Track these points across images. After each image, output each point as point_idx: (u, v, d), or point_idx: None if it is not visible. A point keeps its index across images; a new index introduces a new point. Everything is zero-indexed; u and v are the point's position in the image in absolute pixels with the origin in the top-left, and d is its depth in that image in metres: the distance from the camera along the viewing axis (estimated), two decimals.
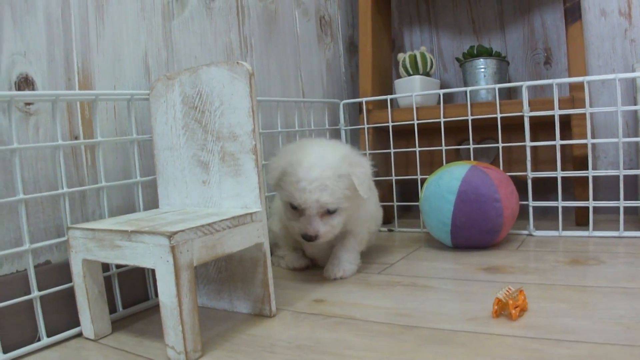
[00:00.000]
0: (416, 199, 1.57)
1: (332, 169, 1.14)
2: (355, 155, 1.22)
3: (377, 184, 1.76)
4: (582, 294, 1.02)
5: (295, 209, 1.16)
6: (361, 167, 1.19)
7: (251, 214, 0.98)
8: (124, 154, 1.17)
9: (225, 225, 0.91)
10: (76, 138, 1.09)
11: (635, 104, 1.63)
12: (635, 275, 1.10)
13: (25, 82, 1.01)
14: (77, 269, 0.96)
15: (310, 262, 1.35)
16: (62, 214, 1.02)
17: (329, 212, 1.15)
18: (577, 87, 1.51)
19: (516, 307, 0.91)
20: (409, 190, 2.02)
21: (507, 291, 0.93)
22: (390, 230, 1.78)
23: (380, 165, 1.82)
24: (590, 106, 1.44)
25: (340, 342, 0.89)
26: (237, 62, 0.99)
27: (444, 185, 1.39)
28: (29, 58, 1.01)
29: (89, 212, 1.11)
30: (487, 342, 0.84)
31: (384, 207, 1.77)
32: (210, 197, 1.05)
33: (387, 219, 1.86)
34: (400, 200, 1.87)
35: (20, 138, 0.98)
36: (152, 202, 1.18)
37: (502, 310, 0.94)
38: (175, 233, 0.82)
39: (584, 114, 1.45)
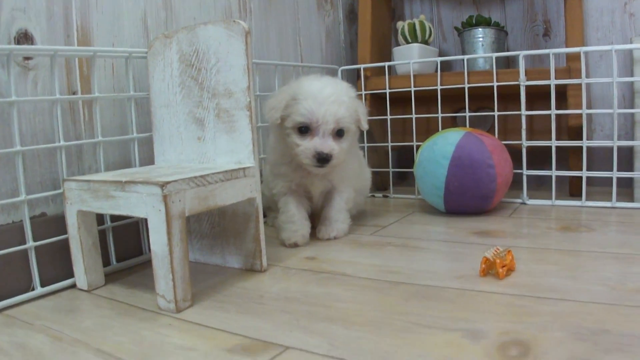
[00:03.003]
0: (411, 166, 1.58)
1: (344, 90, 1.20)
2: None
3: (374, 150, 1.78)
4: (571, 257, 1.04)
5: (304, 133, 1.16)
6: (362, 104, 1.28)
7: (244, 168, 0.99)
8: (120, 111, 1.18)
9: (218, 178, 0.93)
10: (74, 94, 1.10)
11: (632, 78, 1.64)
12: (625, 242, 1.12)
13: (24, 38, 1.01)
14: (71, 220, 0.98)
15: (309, 228, 1.29)
16: (58, 167, 1.04)
17: (338, 135, 1.18)
18: (574, 58, 1.51)
19: (503, 267, 0.93)
20: (405, 159, 2.03)
21: (495, 251, 0.95)
22: (385, 196, 1.79)
23: (377, 133, 1.83)
24: (587, 78, 1.44)
25: (329, 295, 0.90)
26: (234, 21, 1.00)
27: (438, 151, 1.40)
28: (29, 14, 1.02)
29: (85, 167, 1.12)
30: (473, 298, 0.85)
31: (379, 173, 1.79)
32: (205, 153, 1.06)
33: (383, 186, 1.87)
34: (396, 167, 1.87)
35: (19, 93, 0.99)
36: (148, 159, 1.20)
37: (490, 269, 0.95)
38: (168, 183, 0.83)
39: (580, 85, 1.46)
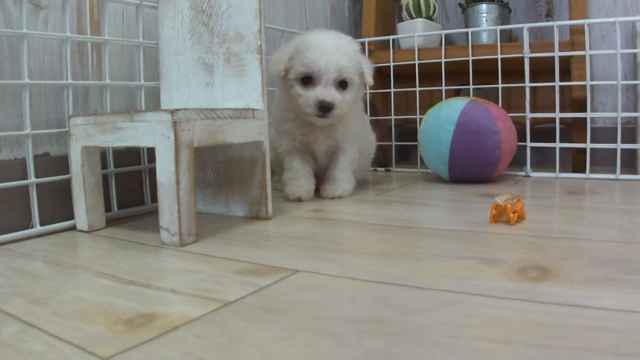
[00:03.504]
0: (414, 142, 1.58)
1: (347, 42, 1.20)
2: None
3: (376, 124, 1.77)
4: (580, 211, 1.03)
5: (307, 83, 1.16)
6: (367, 58, 1.28)
7: (253, 110, 0.98)
8: (129, 59, 1.17)
9: (227, 114, 0.91)
10: None
11: (635, 55, 1.64)
12: (633, 202, 1.11)
13: None
14: (75, 157, 0.96)
15: (314, 184, 1.29)
16: (64, 107, 1.02)
17: (341, 86, 1.17)
18: (578, 32, 1.51)
19: (514, 212, 0.92)
20: (408, 137, 2.02)
21: (506, 197, 0.93)
22: (387, 170, 1.78)
23: (380, 107, 1.82)
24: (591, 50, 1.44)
25: (336, 234, 0.89)
26: None
27: (443, 116, 1.39)
28: None
29: (91, 110, 1.10)
30: (485, 237, 0.84)
31: (382, 149, 1.78)
32: (213, 99, 1.05)
33: (385, 162, 1.86)
34: (398, 146, 1.86)
35: (30, 29, 0.97)
36: (154, 107, 1.18)
37: (500, 216, 0.94)
38: (178, 110, 0.82)
39: (584, 58, 1.46)
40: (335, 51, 1.15)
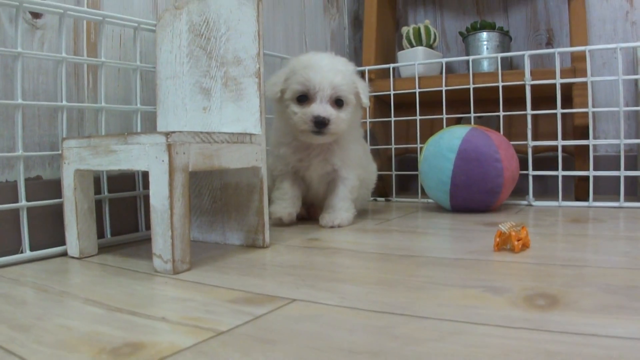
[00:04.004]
0: (415, 173, 1.56)
1: (342, 62, 1.21)
2: None
3: (376, 153, 1.75)
4: (585, 239, 1.00)
5: (303, 100, 1.16)
6: (362, 80, 1.28)
7: (250, 134, 0.95)
8: (125, 82, 1.15)
9: (224, 138, 0.89)
10: None
11: (636, 81, 1.63)
12: (638, 228, 1.09)
13: None
14: (68, 181, 0.94)
15: (299, 211, 1.29)
16: (58, 129, 1.00)
17: (337, 105, 1.17)
18: (579, 59, 1.50)
19: (519, 240, 0.89)
20: (408, 167, 1.99)
21: (510, 224, 0.91)
22: (387, 200, 1.75)
23: (380, 136, 1.80)
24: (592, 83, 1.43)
25: (335, 264, 0.86)
26: None
27: (444, 145, 1.37)
28: None
29: (85, 134, 1.09)
30: (489, 265, 0.82)
31: (382, 179, 1.76)
32: (210, 124, 1.03)
33: (385, 192, 1.84)
34: (399, 176, 1.83)
35: (25, 49, 0.96)
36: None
37: (504, 244, 0.91)
38: (173, 132, 0.79)
39: (585, 85, 1.45)
40: (330, 69, 1.16)
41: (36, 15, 0.99)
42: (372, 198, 1.72)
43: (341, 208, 1.24)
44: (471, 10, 2.07)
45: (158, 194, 0.80)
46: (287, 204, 1.24)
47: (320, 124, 1.13)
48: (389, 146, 1.74)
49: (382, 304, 0.63)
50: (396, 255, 0.90)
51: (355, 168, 1.27)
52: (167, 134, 0.79)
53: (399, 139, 1.79)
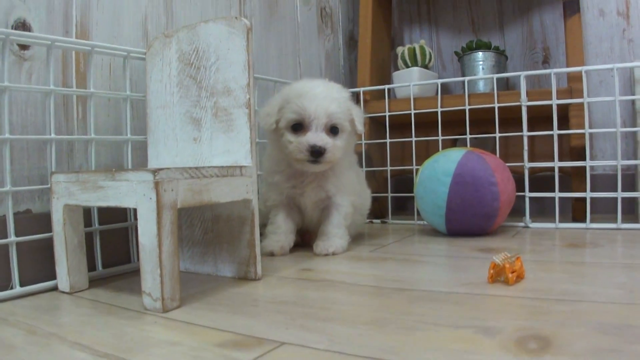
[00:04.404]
0: (411, 193, 1.55)
1: (336, 89, 1.20)
2: None
3: (372, 175, 1.74)
4: (581, 267, 0.99)
5: (299, 129, 1.15)
6: (357, 106, 1.28)
7: (241, 167, 0.94)
8: (115, 112, 1.15)
9: (213, 172, 0.88)
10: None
11: (633, 101, 1.62)
12: (636, 255, 1.07)
13: (22, 27, 0.99)
14: (57, 215, 0.93)
15: (292, 241, 1.27)
16: (47, 162, 0.99)
17: (332, 132, 1.16)
18: (575, 79, 1.50)
19: (513, 272, 0.88)
20: (404, 188, 1.98)
21: (504, 256, 0.90)
22: (383, 222, 1.74)
23: (376, 158, 1.79)
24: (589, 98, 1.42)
25: (327, 299, 0.85)
26: (236, 17, 0.97)
27: (440, 168, 1.36)
28: (28, 4, 1.00)
29: (76, 166, 1.08)
30: (483, 300, 0.80)
31: (378, 200, 1.75)
32: (201, 155, 1.02)
33: (381, 213, 1.82)
34: (395, 196, 1.82)
35: (12, 82, 0.95)
36: (142, 163, 1.15)
37: (498, 275, 0.90)
38: (161, 169, 0.78)
39: (582, 106, 1.44)
40: (325, 97, 1.15)
41: (24, 46, 0.98)
42: (368, 220, 1.71)
43: (335, 235, 1.23)
44: (467, 29, 2.07)
45: (146, 231, 0.79)
46: (279, 238, 1.23)
47: (317, 153, 1.12)
48: (385, 168, 1.73)
49: (372, 349, 0.62)
50: (390, 289, 0.89)
51: (349, 194, 1.26)
52: (154, 172, 0.78)
53: (394, 159, 1.78)
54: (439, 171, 1.36)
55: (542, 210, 1.74)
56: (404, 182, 1.94)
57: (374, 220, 1.75)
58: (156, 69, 1.08)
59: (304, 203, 1.24)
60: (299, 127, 1.15)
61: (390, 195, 1.74)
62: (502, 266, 0.88)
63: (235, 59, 0.97)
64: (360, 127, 1.22)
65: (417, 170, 1.55)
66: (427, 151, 1.77)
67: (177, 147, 1.06)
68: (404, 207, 2.12)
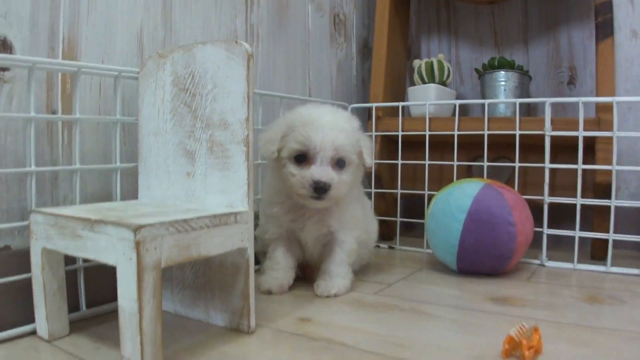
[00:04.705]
0: (421, 216, 1.46)
1: (345, 119, 1.12)
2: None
3: (381, 196, 1.65)
4: (603, 336, 0.90)
5: (301, 162, 1.07)
6: (367, 136, 1.18)
7: (236, 213, 0.86)
8: (105, 136, 1.06)
9: (204, 223, 0.80)
10: (54, 113, 0.98)
11: None
12: None
13: (2, 46, 0.90)
14: (35, 258, 0.85)
15: (292, 278, 1.18)
16: (28, 195, 0.91)
17: (338, 166, 1.08)
18: (604, 109, 1.40)
19: (530, 348, 0.79)
20: (414, 207, 1.89)
21: (521, 329, 0.81)
22: (390, 248, 1.65)
23: (386, 178, 1.70)
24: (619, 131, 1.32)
25: None
26: (236, 41, 0.88)
27: (454, 203, 1.27)
28: (10, 20, 0.91)
29: (60, 197, 1.00)
30: None
31: (386, 222, 1.66)
32: (194, 191, 0.94)
33: (389, 236, 1.74)
34: (404, 217, 1.73)
35: None
36: (132, 192, 1.07)
37: (514, 350, 0.81)
38: (142, 227, 0.70)
39: (610, 139, 1.34)
40: (332, 127, 1.06)
41: (3, 68, 0.90)
42: (375, 244, 1.62)
43: (338, 275, 1.15)
44: (489, 42, 1.97)
45: (126, 294, 0.71)
46: (278, 275, 1.15)
47: (321, 189, 1.04)
48: (395, 190, 1.64)
49: None
50: (391, 357, 0.80)
51: (354, 230, 1.18)
52: (135, 229, 0.69)
53: (405, 179, 1.68)
54: (453, 206, 1.27)
55: (559, 241, 1.64)
56: (415, 198, 1.83)
57: (381, 245, 1.67)
58: (149, 91, 1.00)
59: (304, 238, 1.16)
60: (302, 158, 1.06)
61: (399, 220, 1.65)
62: (519, 342, 0.79)
63: (233, 89, 0.88)
64: (369, 161, 1.13)
65: (429, 196, 1.47)
66: (440, 173, 1.68)
67: (169, 180, 0.97)
68: (413, 227, 2.03)
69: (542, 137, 1.41)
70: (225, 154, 0.89)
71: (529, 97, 1.76)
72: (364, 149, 1.12)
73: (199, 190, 0.93)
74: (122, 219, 0.73)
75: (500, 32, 1.95)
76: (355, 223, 1.18)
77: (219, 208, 0.88)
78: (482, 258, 1.25)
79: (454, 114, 1.65)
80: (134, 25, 1.12)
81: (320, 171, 1.04)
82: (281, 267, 1.15)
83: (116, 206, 0.90)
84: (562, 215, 1.58)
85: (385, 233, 1.72)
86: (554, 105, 1.73)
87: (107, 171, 1.05)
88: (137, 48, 1.12)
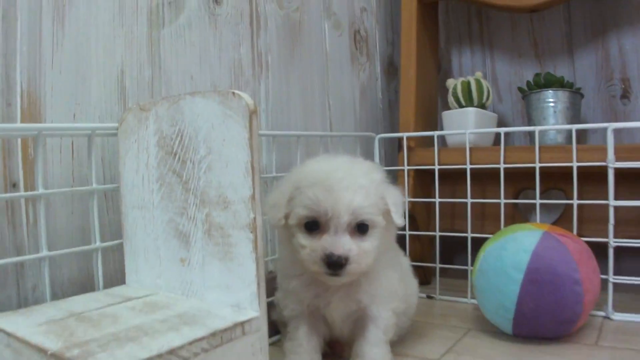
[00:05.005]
0: (458, 253, 1.26)
1: (364, 171, 0.89)
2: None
3: (416, 238, 1.45)
4: None
5: (314, 228, 0.86)
6: (395, 189, 0.93)
7: (243, 323, 0.65)
8: (82, 208, 0.87)
9: (200, 348, 0.59)
10: (14, 186, 0.79)
11: None
12: None
13: None
14: None
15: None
16: None
17: (359, 231, 0.86)
18: None
19: None
20: (451, 244, 1.67)
21: None
22: (429, 297, 1.44)
23: (421, 217, 1.49)
24: None
25: None
26: (233, 93, 0.68)
27: (509, 259, 1.06)
28: None
29: (28, 287, 0.81)
30: None
31: (422, 268, 1.45)
32: (191, 283, 0.74)
33: (426, 279, 1.53)
34: (441, 256, 1.51)
35: None
36: (118, 273, 0.88)
37: None
38: None
39: None
40: (347, 186, 0.84)
41: None
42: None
43: (374, 356, 0.94)
44: (528, 52, 1.74)
45: None
46: (302, 358, 0.94)
47: (335, 265, 0.82)
48: (433, 233, 1.42)
49: None
50: None
51: (391, 302, 0.96)
52: None
53: (443, 217, 1.46)
54: (507, 263, 1.05)
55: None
56: (452, 239, 1.62)
57: (419, 294, 1.45)
58: (131, 153, 0.80)
59: (330, 315, 0.95)
60: (313, 225, 0.85)
61: (438, 266, 1.43)
62: None
63: (233, 157, 0.68)
64: (399, 221, 0.91)
65: (474, 240, 1.26)
66: (482, 209, 1.46)
67: (160, 266, 0.78)
68: (451, 259, 1.81)
69: (601, 166, 1.19)
70: (226, 240, 0.69)
71: (580, 117, 1.53)
72: (392, 206, 0.90)
73: (196, 282, 0.73)
74: (88, 353, 0.54)
75: (541, 42, 1.73)
76: (392, 293, 0.97)
77: (222, 309, 0.68)
78: (544, 323, 1.04)
79: (495, 142, 1.44)
80: (112, 65, 0.92)
81: (333, 242, 0.83)
82: (304, 350, 0.94)
83: (92, 309, 0.71)
84: (625, 252, 1.36)
85: (421, 276, 1.50)
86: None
87: (87, 253, 0.85)
88: (118, 94, 0.93)
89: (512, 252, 1.07)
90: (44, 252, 0.77)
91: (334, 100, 1.49)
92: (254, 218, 0.66)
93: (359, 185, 0.85)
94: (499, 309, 1.07)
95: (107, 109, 0.91)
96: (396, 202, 0.91)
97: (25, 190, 0.79)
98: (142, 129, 0.78)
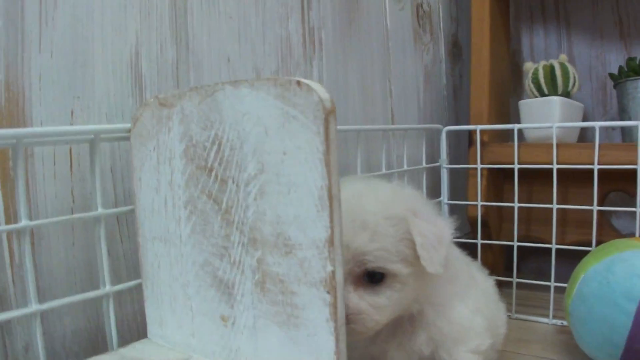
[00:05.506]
0: (526, 260, 1.13)
1: (380, 204, 0.64)
2: (424, 204, 0.71)
3: (488, 247, 1.23)
4: None
5: None
6: (432, 223, 0.66)
7: None
8: (86, 237, 0.65)
9: None
10: None
11: None
12: None
13: None
14: None
15: None
16: None
17: (372, 280, 0.63)
18: None
19: None
20: (525, 255, 1.43)
21: None
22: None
23: (493, 223, 1.27)
24: None
25: None
26: (298, 82, 0.45)
27: (618, 286, 0.84)
28: None
29: (19, 348, 0.60)
30: None
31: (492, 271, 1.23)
32: (237, 351, 0.53)
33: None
34: (506, 264, 1.28)
35: None
36: (138, 316, 0.67)
37: None
38: None
39: None
40: (353, 221, 0.61)
41: None
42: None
43: None
44: (611, 32, 1.49)
45: None
46: None
47: None
48: (510, 243, 1.19)
49: None
50: None
51: (467, 341, 0.73)
52: None
53: (512, 220, 1.23)
54: (616, 289, 0.83)
55: None
56: (520, 248, 1.38)
57: None
58: (148, 166, 0.59)
59: None
60: None
61: (515, 281, 1.20)
62: None
63: (299, 179, 0.46)
64: (431, 269, 0.63)
65: (557, 251, 1.06)
66: (564, 214, 1.24)
67: (192, 322, 0.56)
68: (519, 264, 1.57)
69: None
70: (289, 299, 0.48)
71: None
72: (420, 247, 0.63)
73: (245, 350, 0.52)
74: None
75: (626, 20, 1.47)
76: (466, 330, 0.74)
77: None
78: None
79: (580, 137, 1.22)
80: (123, 44, 0.70)
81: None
82: None
83: None
84: None
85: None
86: None
87: (94, 301, 0.63)
88: (132, 84, 0.71)
89: (621, 276, 0.85)
90: (33, 307, 0.55)
91: (396, 85, 1.24)
92: (333, 272, 0.44)
93: (365, 222, 0.62)
94: (605, 345, 0.85)
95: (117, 104, 0.68)
96: (427, 244, 0.64)
97: (7, 219, 0.58)
98: (163, 133, 0.57)
